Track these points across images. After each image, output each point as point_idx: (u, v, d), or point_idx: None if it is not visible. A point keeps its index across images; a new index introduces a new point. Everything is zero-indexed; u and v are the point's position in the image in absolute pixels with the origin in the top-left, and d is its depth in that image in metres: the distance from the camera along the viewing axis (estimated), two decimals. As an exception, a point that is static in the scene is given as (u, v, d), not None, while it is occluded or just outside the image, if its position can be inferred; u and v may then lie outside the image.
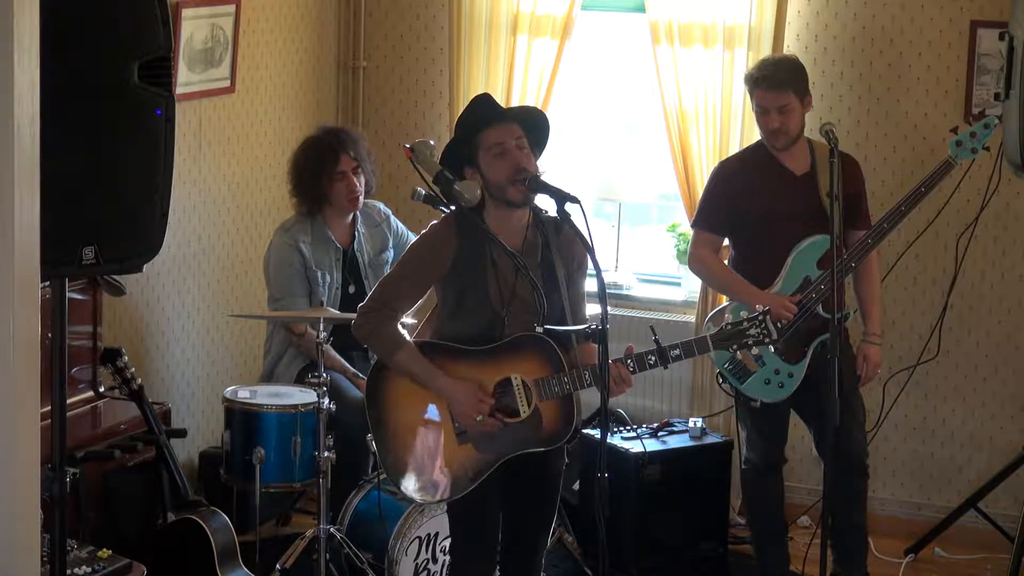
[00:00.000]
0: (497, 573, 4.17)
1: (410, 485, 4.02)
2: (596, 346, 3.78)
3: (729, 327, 3.98)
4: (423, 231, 4.05)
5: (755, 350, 3.95)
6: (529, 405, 3.92)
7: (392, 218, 5.55)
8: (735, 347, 4.02)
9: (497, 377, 3.93)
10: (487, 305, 3.93)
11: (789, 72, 4.92)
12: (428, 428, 4.00)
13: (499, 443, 3.93)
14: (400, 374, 3.99)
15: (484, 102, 4.00)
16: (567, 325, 3.93)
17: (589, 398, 3.98)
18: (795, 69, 4.95)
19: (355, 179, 5.28)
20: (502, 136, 3.90)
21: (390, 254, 5.45)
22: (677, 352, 3.94)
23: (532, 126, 3.99)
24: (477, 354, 3.94)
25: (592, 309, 4.03)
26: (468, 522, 4.06)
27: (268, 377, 5.35)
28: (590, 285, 3.93)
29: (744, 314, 4.05)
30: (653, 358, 3.92)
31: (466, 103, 4.31)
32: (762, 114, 4.91)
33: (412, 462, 4.01)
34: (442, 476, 3.98)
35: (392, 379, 4.02)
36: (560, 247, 4.00)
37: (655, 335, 3.94)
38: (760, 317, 3.95)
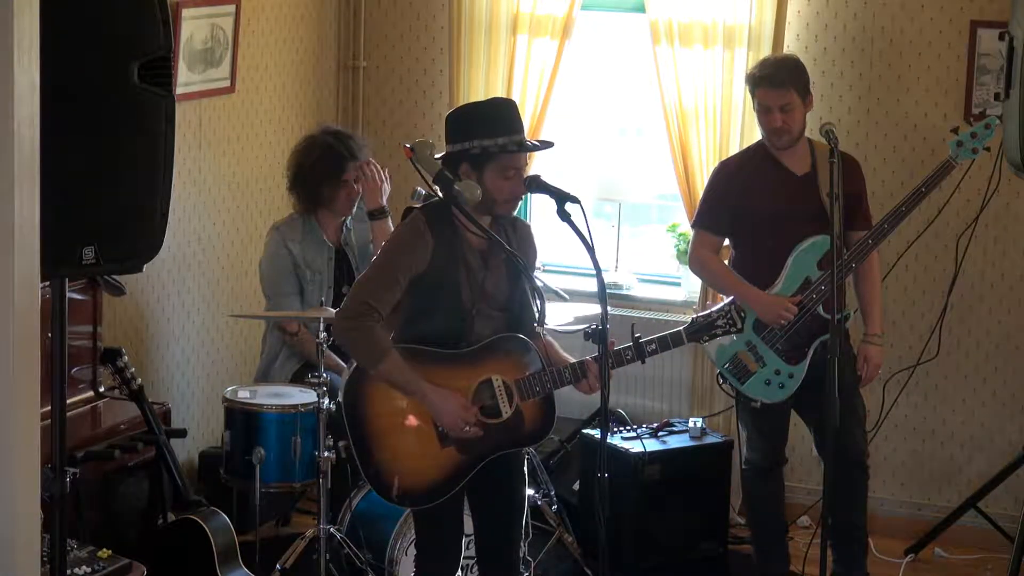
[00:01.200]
0: (476, 568, 4.18)
1: (393, 492, 3.98)
2: (556, 343, 4.01)
3: (700, 319, 4.14)
4: (395, 229, 4.03)
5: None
6: (511, 405, 3.92)
7: None
8: (706, 338, 4.18)
9: (476, 379, 3.94)
10: (459, 303, 3.93)
11: (791, 71, 4.92)
12: (411, 433, 3.96)
13: (482, 444, 3.94)
14: (382, 382, 3.95)
15: (516, 116, 3.99)
16: (530, 320, 3.99)
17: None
18: (796, 68, 4.96)
19: (356, 187, 5.27)
20: (520, 162, 3.95)
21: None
22: (653, 347, 4.05)
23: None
24: (454, 357, 3.94)
25: (592, 309, 4.04)
26: (435, 520, 4.05)
27: (262, 377, 5.34)
28: (589, 284, 3.94)
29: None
30: (630, 353, 4.02)
31: (465, 103, 4.28)
32: (764, 113, 4.91)
33: (395, 468, 3.96)
34: (425, 480, 3.95)
35: (371, 384, 3.96)
36: (519, 245, 4.03)
37: (635, 333, 4.02)
38: (727, 307, 4.12)
